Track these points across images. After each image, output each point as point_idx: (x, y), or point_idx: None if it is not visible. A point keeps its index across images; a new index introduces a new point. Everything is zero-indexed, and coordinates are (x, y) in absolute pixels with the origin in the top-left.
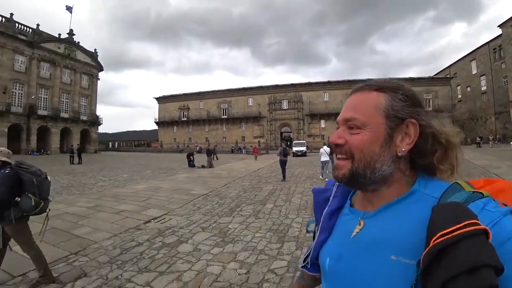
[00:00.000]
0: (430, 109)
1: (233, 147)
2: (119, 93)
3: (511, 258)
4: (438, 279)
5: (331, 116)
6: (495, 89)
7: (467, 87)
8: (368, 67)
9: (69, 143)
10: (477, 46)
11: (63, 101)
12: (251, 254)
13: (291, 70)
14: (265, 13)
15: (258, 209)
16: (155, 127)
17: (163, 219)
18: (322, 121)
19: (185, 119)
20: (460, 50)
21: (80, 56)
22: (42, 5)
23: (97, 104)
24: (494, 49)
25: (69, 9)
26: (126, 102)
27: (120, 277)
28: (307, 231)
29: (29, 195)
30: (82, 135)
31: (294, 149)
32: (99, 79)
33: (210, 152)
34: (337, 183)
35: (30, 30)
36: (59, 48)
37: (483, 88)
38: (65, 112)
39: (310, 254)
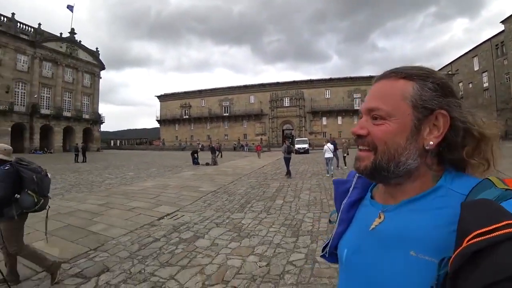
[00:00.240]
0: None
1: (235, 144)
2: (120, 91)
3: None
4: (475, 283)
5: (332, 113)
6: (497, 86)
7: (469, 83)
8: (369, 64)
9: (72, 142)
10: (479, 43)
11: (65, 100)
12: (268, 247)
13: (292, 67)
14: (265, 11)
15: (268, 205)
16: (156, 125)
17: (176, 215)
18: (324, 118)
19: (187, 117)
20: (462, 46)
21: (81, 55)
22: (43, 4)
23: (99, 103)
24: (496, 45)
25: (70, 8)
26: (127, 101)
27: (143, 271)
28: (330, 222)
29: (29, 192)
30: (84, 134)
31: (297, 146)
32: (100, 77)
33: (214, 150)
34: (357, 174)
35: (32, 29)
36: (60, 47)
37: (485, 84)
38: (67, 111)
39: (329, 244)
